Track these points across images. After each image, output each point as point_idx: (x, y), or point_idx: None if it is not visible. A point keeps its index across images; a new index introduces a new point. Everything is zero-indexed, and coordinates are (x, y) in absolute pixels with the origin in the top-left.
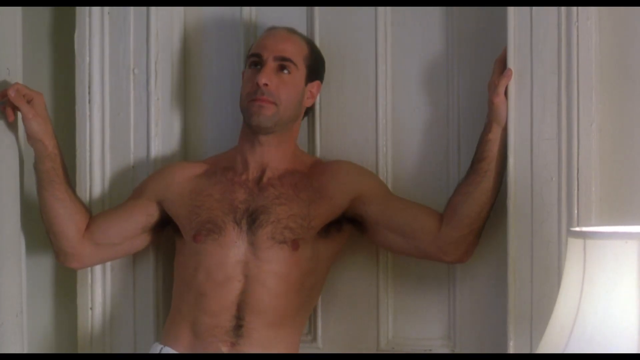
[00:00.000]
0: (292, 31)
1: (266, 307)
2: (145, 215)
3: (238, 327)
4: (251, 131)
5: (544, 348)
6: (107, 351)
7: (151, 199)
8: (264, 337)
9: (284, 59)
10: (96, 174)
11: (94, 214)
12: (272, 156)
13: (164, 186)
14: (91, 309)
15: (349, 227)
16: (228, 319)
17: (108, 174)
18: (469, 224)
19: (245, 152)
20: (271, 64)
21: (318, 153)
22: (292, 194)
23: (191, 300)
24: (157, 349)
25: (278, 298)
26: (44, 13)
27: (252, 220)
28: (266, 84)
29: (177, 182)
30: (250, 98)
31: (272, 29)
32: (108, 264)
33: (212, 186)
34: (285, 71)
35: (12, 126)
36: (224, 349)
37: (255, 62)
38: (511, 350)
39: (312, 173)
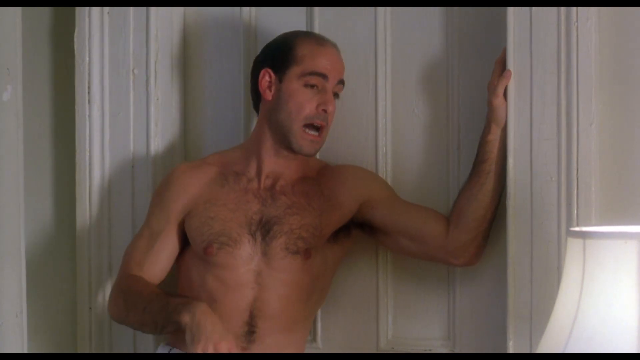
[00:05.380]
0: (336, 47)
1: (278, 314)
2: (180, 239)
3: (250, 332)
4: (280, 145)
5: (544, 348)
6: (107, 351)
7: (179, 219)
8: (275, 342)
9: (342, 82)
10: (96, 173)
11: (140, 266)
12: (287, 167)
13: (185, 204)
14: (91, 309)
15: (357, 231)
16: (240, 325)
17: (108, 173)
18: (476, 227)
19: (262, 160)
20: (331, 89)
21: (318, 153)
22: (304, 202)
23: None
24: (165, 350)
25: (290, 304)
26: (44, 13)
27: (265, 231)
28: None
29: (194, 195)
30: (309, 122)
31: (325, 45)
32: (107, 264)
33: (225, 195)
34: (337, 97)
35: (13, 126)
36: None
37: (315, 82)
38: (511, 350)
39: (320, 178)
